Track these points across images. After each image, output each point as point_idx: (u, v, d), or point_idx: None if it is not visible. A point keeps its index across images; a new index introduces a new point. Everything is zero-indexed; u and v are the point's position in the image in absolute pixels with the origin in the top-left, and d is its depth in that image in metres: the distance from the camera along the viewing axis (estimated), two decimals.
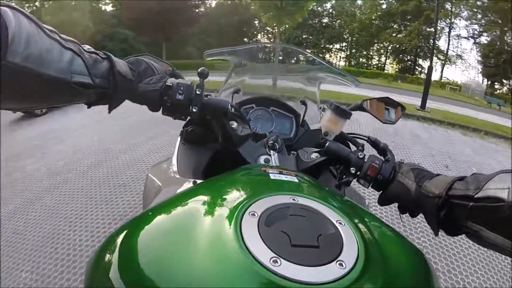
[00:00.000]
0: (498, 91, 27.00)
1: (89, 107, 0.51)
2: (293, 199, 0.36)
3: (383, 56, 34.28)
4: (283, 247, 0.28)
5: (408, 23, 29.56)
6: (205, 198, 0.39)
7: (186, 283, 0.25)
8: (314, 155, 0.64)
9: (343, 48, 35.64)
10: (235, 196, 0.38)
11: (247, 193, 0.39)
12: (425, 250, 1.99)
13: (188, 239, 0.29)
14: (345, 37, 34.42)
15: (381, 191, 0.56)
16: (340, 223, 0.33)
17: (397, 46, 31.18)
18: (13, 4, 0.36)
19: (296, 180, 0.46)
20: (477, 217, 0.38)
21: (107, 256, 0.30)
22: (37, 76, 0.37)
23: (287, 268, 0.26)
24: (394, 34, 31.23)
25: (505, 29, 24.30)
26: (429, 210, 0.45)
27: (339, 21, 33.93)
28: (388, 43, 31.92)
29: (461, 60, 30.22)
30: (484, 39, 27.39)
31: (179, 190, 0.54)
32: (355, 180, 0.59)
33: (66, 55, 0.41)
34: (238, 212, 0.32)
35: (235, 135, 0.65)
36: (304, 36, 34.95)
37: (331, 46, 34.53)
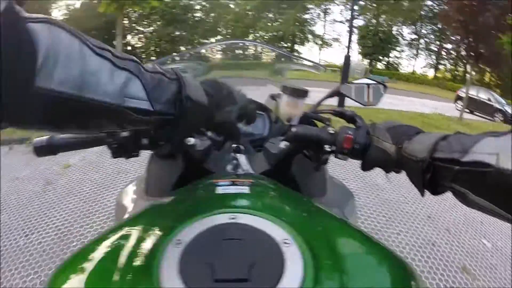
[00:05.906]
0: (374, 68, 28.64)
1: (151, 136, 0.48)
2: (232, 218, 0.32)
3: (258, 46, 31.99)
4: (203, 284, 0.24)
5: (283, 12, 28.57)
6: (139, 227, 0.36)
7: None
8: (282, 144, 0.61)
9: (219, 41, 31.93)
10: (168, 221, 0.35)
11: (180, 216, 0.35)
12: None
13: (112, 276, 0.27)
14: (220, 29, 30.85)
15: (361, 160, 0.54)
16: (285, 243, 0.29)
17: (275, 34, 29.62)
18: (52, 17, 0.29)
19: (247, 191, 0.42)
20: (463, 180, 0.35)
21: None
22: (78, 102, 0.30)
23: None
24: (269, 24, 29.85)
25: (380, 11, 26.37)
26: (413, 172, 0.42)
27: (213, 14, 30.49)
28: (265, 32, 30.12)
29: (338, 43, 31.04)
30: (358, 22, 28.94)
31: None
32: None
33: (118, 76, 0.33)
34: (163, 242, 0.29)
35: (196, 152, 0.60)
36: (177, 33, 30.30)
37: (206, 40, 30.18)
